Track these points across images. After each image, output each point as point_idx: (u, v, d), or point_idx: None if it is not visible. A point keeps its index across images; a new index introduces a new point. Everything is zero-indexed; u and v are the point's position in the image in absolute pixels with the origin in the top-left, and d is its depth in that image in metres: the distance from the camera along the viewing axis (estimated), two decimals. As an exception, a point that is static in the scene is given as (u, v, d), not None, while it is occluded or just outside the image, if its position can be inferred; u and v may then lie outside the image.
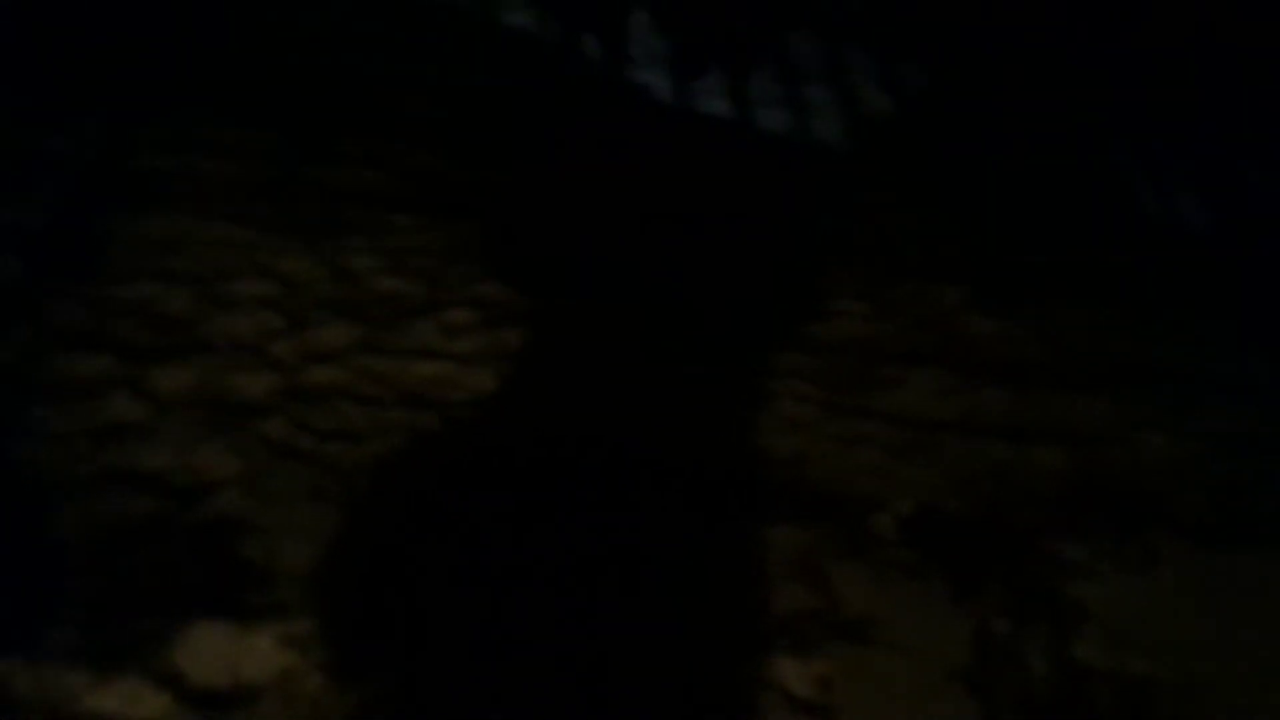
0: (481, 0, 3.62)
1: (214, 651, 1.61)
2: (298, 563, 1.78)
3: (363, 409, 2.10)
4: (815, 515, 2.14)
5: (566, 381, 2.33)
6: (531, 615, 1.81)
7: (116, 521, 1.78)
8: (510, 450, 2.09)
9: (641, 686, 1.82)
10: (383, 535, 1.89)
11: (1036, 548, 2.22)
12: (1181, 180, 3.79)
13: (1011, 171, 3.57)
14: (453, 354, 2.29)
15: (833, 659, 1.87)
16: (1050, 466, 2.43)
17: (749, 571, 2.02)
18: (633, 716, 1.72)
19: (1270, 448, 2.75)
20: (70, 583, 1.65)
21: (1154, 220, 3.63)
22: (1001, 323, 2.86)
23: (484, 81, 3.30)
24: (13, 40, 2.81)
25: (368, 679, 1.64)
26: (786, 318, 2.77)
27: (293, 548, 1.81)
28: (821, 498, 2.21)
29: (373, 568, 1.81)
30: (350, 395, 2.13)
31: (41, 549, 1.71)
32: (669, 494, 2.12)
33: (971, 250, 3.16)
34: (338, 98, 3.03)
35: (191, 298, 2.28)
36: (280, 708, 1.55)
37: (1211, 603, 2.25)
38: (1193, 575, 2.30)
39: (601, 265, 2.71)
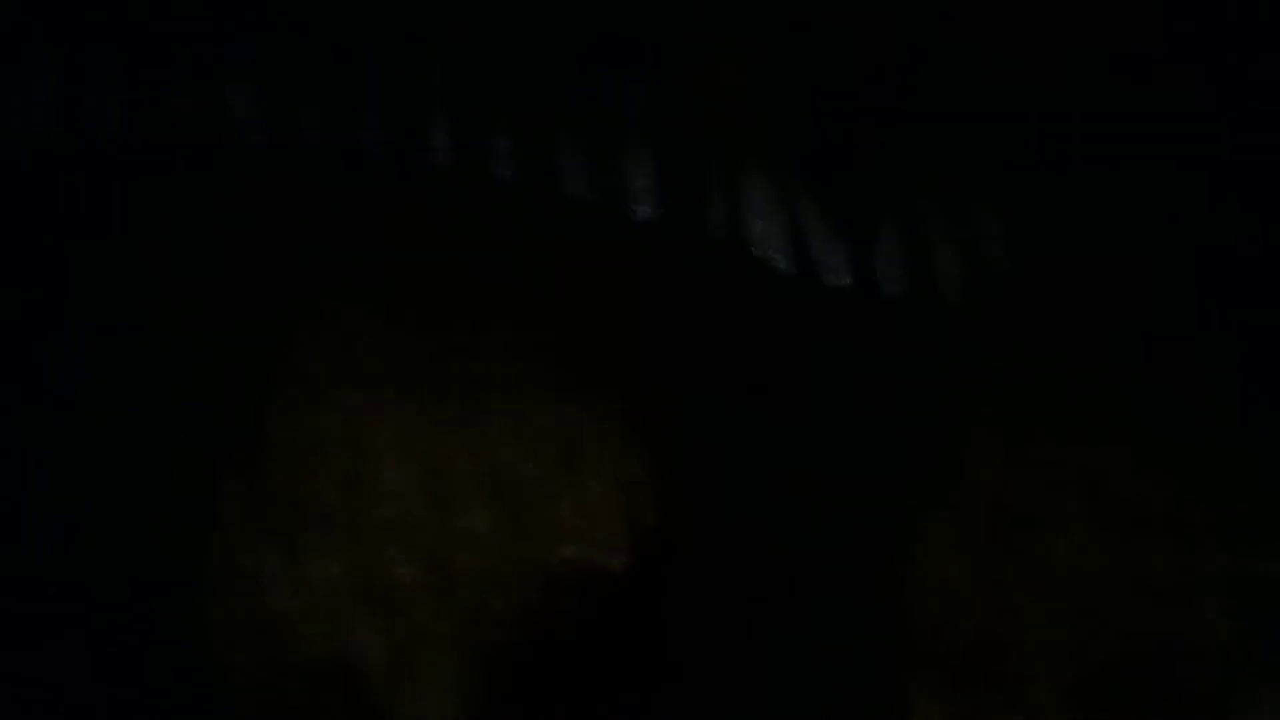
0: (609, 190, 3.81)
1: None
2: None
3: (504, 594, 2.14)
4: (965, 681, 2.06)
5: (709, 558, 2.33)
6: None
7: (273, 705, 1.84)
8: (649, 637, 2.09)
9: None
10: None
11: (1213, 717, 2.07)
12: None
13: (1158, 339, 3.47)
14: (594, 538, 2.33)
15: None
16: (1223, 628, 2.28)
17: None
18: None
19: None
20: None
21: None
22: (1169, 480, 2.74)
23: (614, 265, 3.44)
24: None
25: None
26: (928, 476, 2.73)
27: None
28: (973, 662, 2.12)
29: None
30: (492, 581, 2.18)
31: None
32: (811, 675, 2.07)
33: (1114, 401, 3.06)
34: (478, 289, 3.21)
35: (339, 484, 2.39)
36: None
37: None
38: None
39: (744, 438, 2.74)
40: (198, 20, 2.68)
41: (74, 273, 2.42)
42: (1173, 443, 2.92)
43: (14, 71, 2.36)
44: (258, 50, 2.73)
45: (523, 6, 3.85)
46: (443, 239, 3.40)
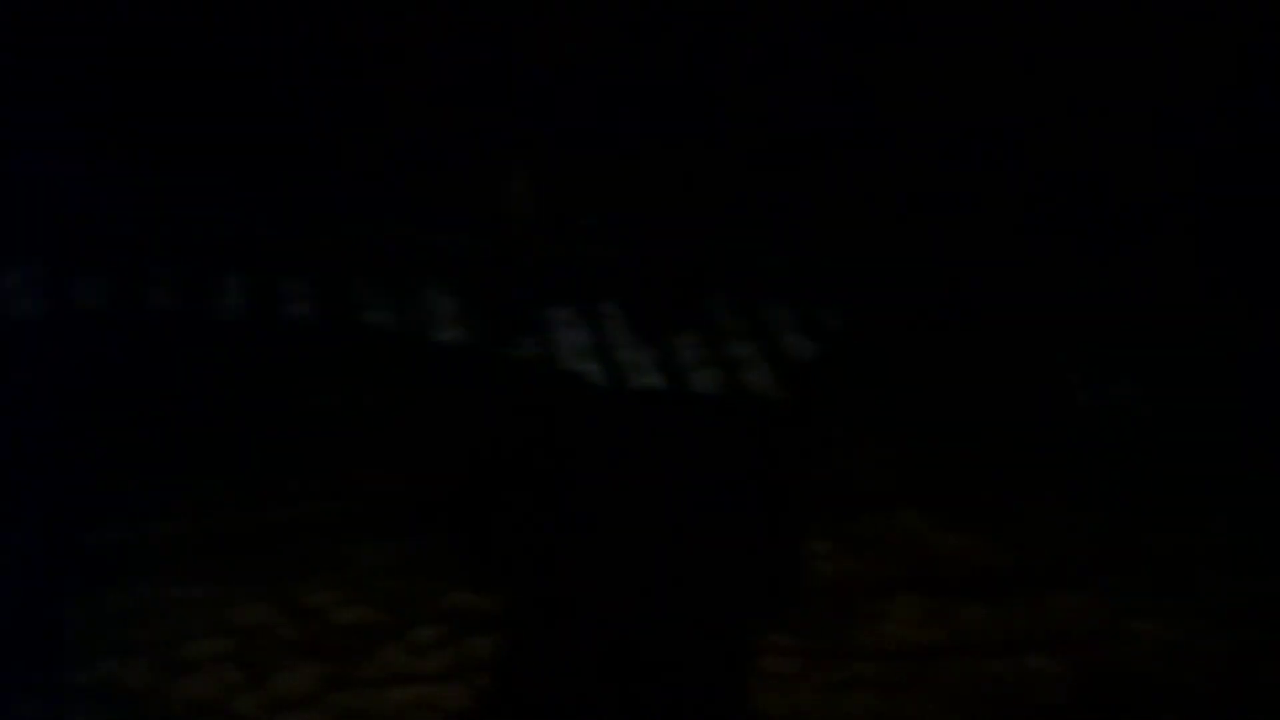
0: (413, 321, 3.80)
1: None
2: None
3: (335, 753, 2.02)
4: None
5: (540, 684, 2.27)
6: None
7: None
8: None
9: None
10: None
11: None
12: (1119, 372, 3.93)
13: (943, 390, 3.68)
14: (424, 675, 2.23)
15: None
16: (1047, 674, 2.37)
17: None
18: None
19: (1256, 616, 2.71)
20: None
21: (1097, 412, 3.73)
22: (966, 536, 2.86)
23: (423, 398, 3.42)
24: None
25: None
26: (757, 572, 2.76)
27: None
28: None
29: None
30: (321, 740, 2.05)
31: None
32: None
33: (920, 471, 3.20)
34: (283, 435, 3.11)
35: (149, 668, 2.22)
36: None
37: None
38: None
39: (563, 557, 2.71)
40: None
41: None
42: (978, 505, 3.07)
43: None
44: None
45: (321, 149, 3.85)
46: (244, 386, 3.29)
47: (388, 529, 2.67)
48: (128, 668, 2.22)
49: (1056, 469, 3.31)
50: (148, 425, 3.05)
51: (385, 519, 2.72)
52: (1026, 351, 3.96)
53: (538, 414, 3.36)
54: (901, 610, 2.54)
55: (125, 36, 3.84)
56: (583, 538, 2.74)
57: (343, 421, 3.12)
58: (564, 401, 3.47)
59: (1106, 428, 3.61)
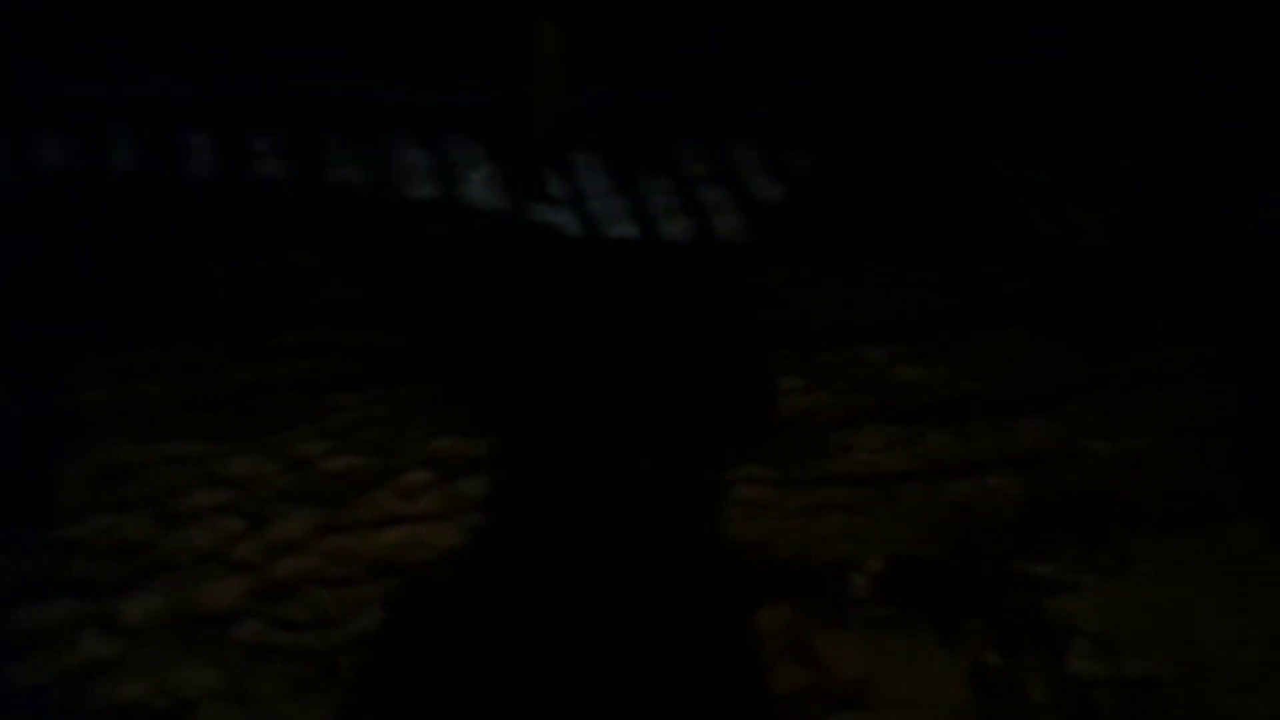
0: (378, 179, 3.76)
1: None
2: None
3: (334, 591, 2.12)
4: (791, 590, 2.18)
5: (528, 517, 2.37)
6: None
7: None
8: (485, 600, 2.11)
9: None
10: (373, 716, 1.89)
11: (1012, 575, 2.27)
12: (1077, 201, 3.97)
13: (905, 227, 3.72)
14: (414, 516, 2.32)
15: (838, 729, 1.89)
16: (1007, 493, 2.50)
17: (739, 660, 2.04)
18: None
19: (1212, 429, 2.84)
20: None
21: (1053, 242, 3.79)
22: (931, 368, 2.95)
23: (399, 251, 3.41)
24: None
25: None
26: (729, 408, 2.85)
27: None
28: (794, 572, 2.24)
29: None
30: (319, 580, 2.15)
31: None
32: (650, 603, 2.15)
33: (886, 309, 3.27)
34: (262, 294, 3.12)
35: (148, 520, 2.30)
36: None
37: (1192, 590, 2.30)
38: (1168, 567, 2.35)
39: (544, 400, 2.78)
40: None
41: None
42: (939, 336, 3.15)
43: None
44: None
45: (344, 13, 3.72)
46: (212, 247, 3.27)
47: (369, 381, 2.71)
48: (125, 521, 2.29)
49: (1018, 304, 3.39)
50: (118, 286, 3.04)
51: (367, 371, 2.76)
52: (988, 185, 3.99)
53: (515, 266, 3.38)
54: (868, 439, 2.65)
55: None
56: (561, 382, 2.81)
57: (320, 278, 3.12)
58: (540, 252, 3.49)
59: (1064, 257, 3.68)
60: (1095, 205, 3.96)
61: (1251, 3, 4.06)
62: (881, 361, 2.98)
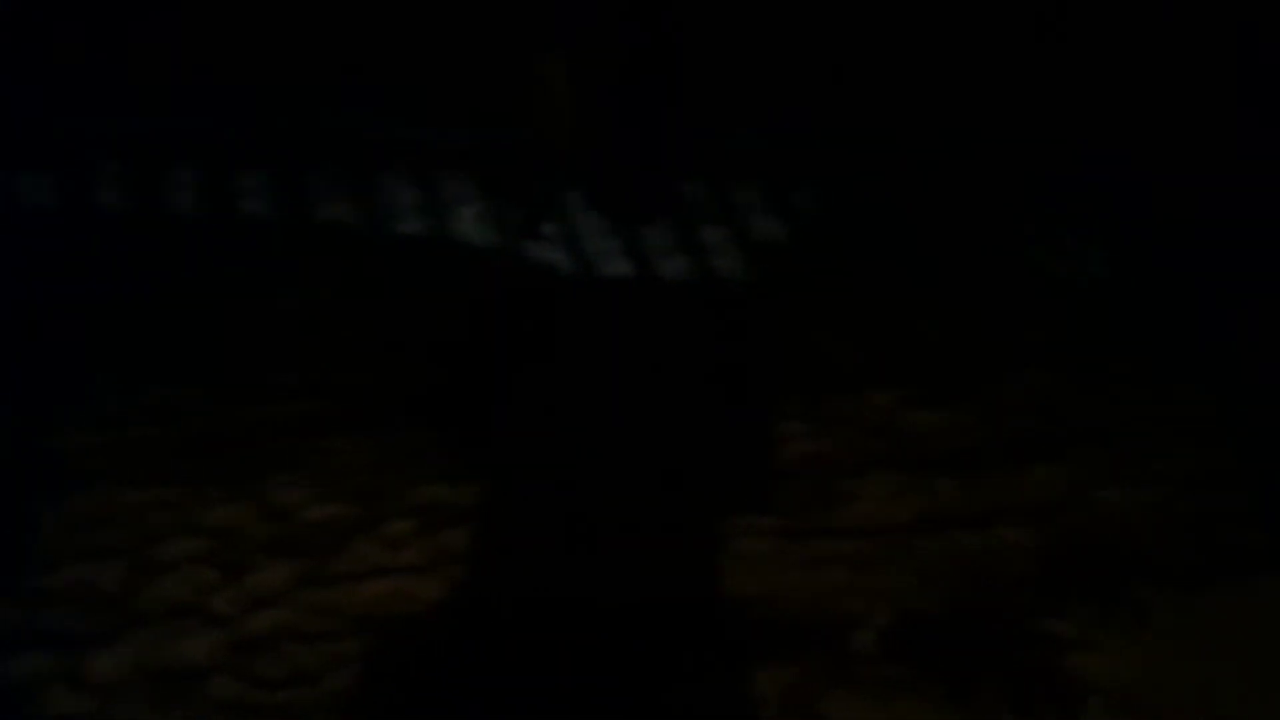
0: (368, 216, 3.71)
1: None
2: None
3: (312, 646, 2.02)
4: (795, 647, 2.08)
5: (517, 569, 2.28)
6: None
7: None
8: (472, 655, 2.02)
9: None
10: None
11: (1025, 631, 2.16)
12: (1082, 237, 3.90)
13: (911, 267, 3.65)
14: (398, 568, 2.23)
15: (842, 798, 1.78)
16: (1019, 545, 2.39)
17: (740, 718, 1.94)
18: None
19: (1231, 479, 2.74)
20: None
21: (1061, 280, 3.71)
22: (940, 413, 2.86)
23: (389, 291, 3.35)
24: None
25: None
26: (731, 455, 2.76)
27: (259, 812, 1.71)
28: (799, 628, 2.14)
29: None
30: (298, 635, 2.05)
31: None
32: (647, 659, 2.05)
33: (893, 350, 3.19)
34: (249, 336, 3.06)
35: (123, 570, 2.21)
36: None
37: (1214, 649, 2.19)
38: (1189, 624, 2.24)
39: (536, 445, 2.70)
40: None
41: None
42: (949, 380, 3.07)
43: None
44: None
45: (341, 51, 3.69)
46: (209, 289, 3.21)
47: (356, 425, 2.64)
48: (100, 571, 2.21)
49: (1027, 344, 3.31)
50: (106, 327, 2.98)
51: (354, 415, 2.69)
52: (997, 226, 3.93)
53: (508, 305, 3.31)
54: (875, 487, 2.56)
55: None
56: (555, 426, 2.73)
57: (308, 318, 3.06)
58: (534, 291, 3.42)
59: (1076, 300, 3.60)
60: (1103, 242, 3.89)
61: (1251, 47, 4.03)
62: (888, 406, 2.89)
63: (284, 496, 2.39)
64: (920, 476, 2.59)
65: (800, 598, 2.22)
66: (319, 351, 2.94)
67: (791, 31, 3.98)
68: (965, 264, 3.66)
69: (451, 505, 2.39)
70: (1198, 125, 3.97)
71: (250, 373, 2.86)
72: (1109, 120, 4.04)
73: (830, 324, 3.29)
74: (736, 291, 3.54)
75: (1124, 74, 4.00)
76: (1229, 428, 2.94)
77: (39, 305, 3.08)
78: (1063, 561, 2.38)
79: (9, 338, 2.95)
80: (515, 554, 2.31)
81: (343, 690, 1.95)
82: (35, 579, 2.17)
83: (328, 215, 3.53)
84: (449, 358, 3.02)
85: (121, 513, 2.39)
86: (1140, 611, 2.23)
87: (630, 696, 1.97)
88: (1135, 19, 4.01)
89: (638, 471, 2.61)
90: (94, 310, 3.09)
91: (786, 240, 3.77)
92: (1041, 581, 2.32)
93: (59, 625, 2.08)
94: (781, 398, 2.92)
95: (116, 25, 3.65)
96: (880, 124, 4.01)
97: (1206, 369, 3.22)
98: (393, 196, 3.67)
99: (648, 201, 3.83)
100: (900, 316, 3.38)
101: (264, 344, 2.95)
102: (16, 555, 2.27)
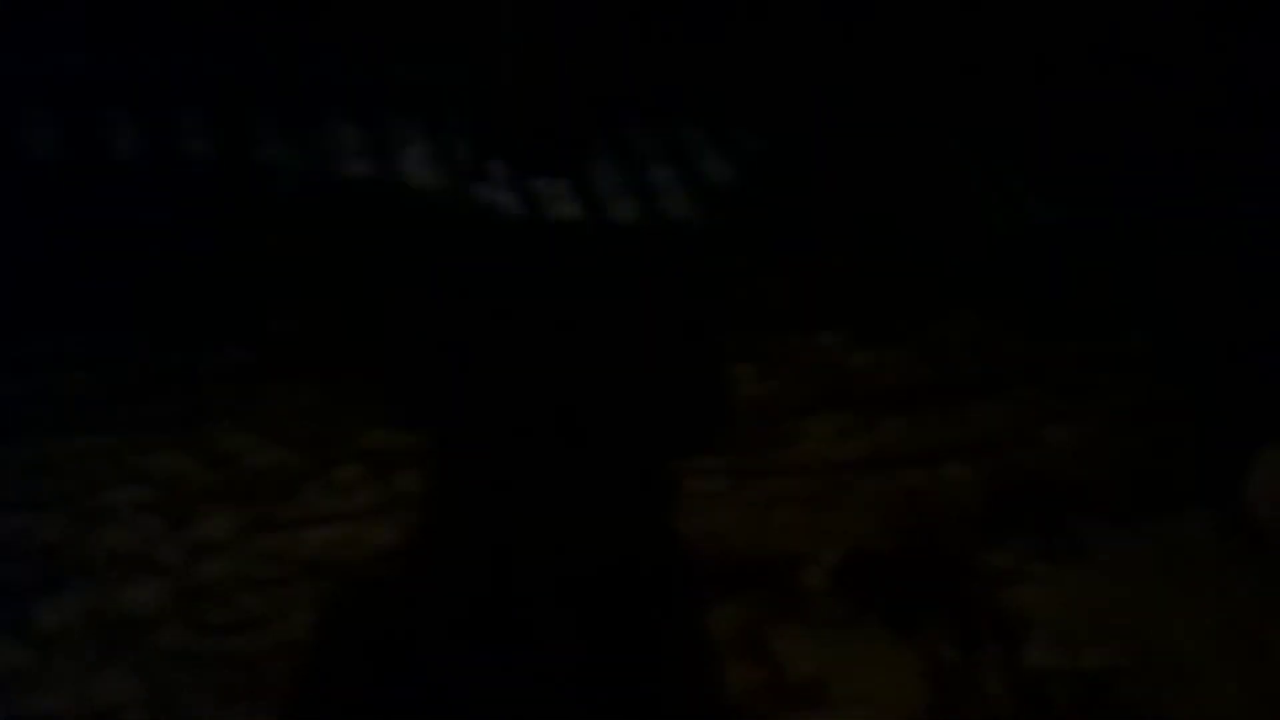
0: (310, 157, 3.61)
1: None
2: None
3: (262, 593, 2.01)
4: (745, 585, 2.11)
5: (469, 513, 2.27)
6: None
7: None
8: (425, 600, 2.02)
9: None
10: (305, 721, 1.80)
11: (968, 566, 2.22)
12: (1028, 183, 3.95)
13: (859, 211, 3.66)
14: (348, 514, 2.22)
15: (792, 730, 1.83)
16: (963, 482, 2.45)
17: (692, 658, 1.97)
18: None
19: (1168, 413, 2.82)
20: None
21: (1008, 227, 3.76)
22: (883, 353, 2.90)
23: (331, 233, 3.28)
24: None
25: None
26: (680, 397, 2.77)
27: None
28: (748, 566, 2.17)
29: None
30: (248, 582, 2.04)
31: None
32: (600, 599, 2.07)
33: (841, 293, 3.21)
34: (187, 280, 2.99)
35: (64, 520, 2.17)
36: None
37: (1147, 578, 2.26)
38: (1124, 556, 2.32)
39: (485, 390, 2.68)
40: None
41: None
42: (894, 322, 3.10)
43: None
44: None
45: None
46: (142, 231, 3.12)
47: (298, 371, 2.60)
48: (40, 521, 2.17)
49: (970, 287, 3.35)
50: (32, 273, 2.89)
51: (295, 361, 2.64)
52: (943, 172, 3.95)
53: (453, 247, 3.27)
54: (823, 427, 2.59)
55: None
56: (503, 369, 2.71)
57: (248, 261, 2.99)
58: (480, 234, 3.38)
59: (1018, 242, 3.65)
60: (1050, 191, 3.94)
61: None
62: (836, 347, 2.92)
63: (228, 443, 2.36)
64: (867, 416, 2.62)
65: (750, 537, 2.25)
66: (256, 296, 2.87)
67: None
68: (911, 208, 3.69)
69: (400, 450, 2.38)
70: (1148, 73, 4.01)
71: (185, 318, 2.80)
72: (1056, 67, 4.06)
73: (778, 267, 3.30)
74: (685, 234, 3.53)
75: (1070, 22, 4.02)
76: (1166, 366, 3.02)
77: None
78: (1004, 497, 2.44)
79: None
80: (466, 498, 2.31)
81: (295, 637, 1.94)
82: (-26, 530, 2.13)
83: (267, 156, 3.43)
84: (392, 301, 2.98)
85: (59, 461, 2.34)
86: (1077, 545, 2.30)
87: (583, 635, 1.99)
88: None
89: (587, 414, 2.61)
90: (23, 255, 2.99)
91: (734, 182, 3.76)
92: (984, 517, 2.38)
93: (1, 576, 2.04)
94: (730, 340, 2.93)
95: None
96: (827, 68, 3.99)
97: (1146, 311, 3.29)
98: (335, 137, 3.58)
99: (576, 147, 3.76)
100: (847, 259, 3.40)
101: (199, 290, 2.88)
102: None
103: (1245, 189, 3.84)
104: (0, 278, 2.91)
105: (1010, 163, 4.01)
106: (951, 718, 1.87)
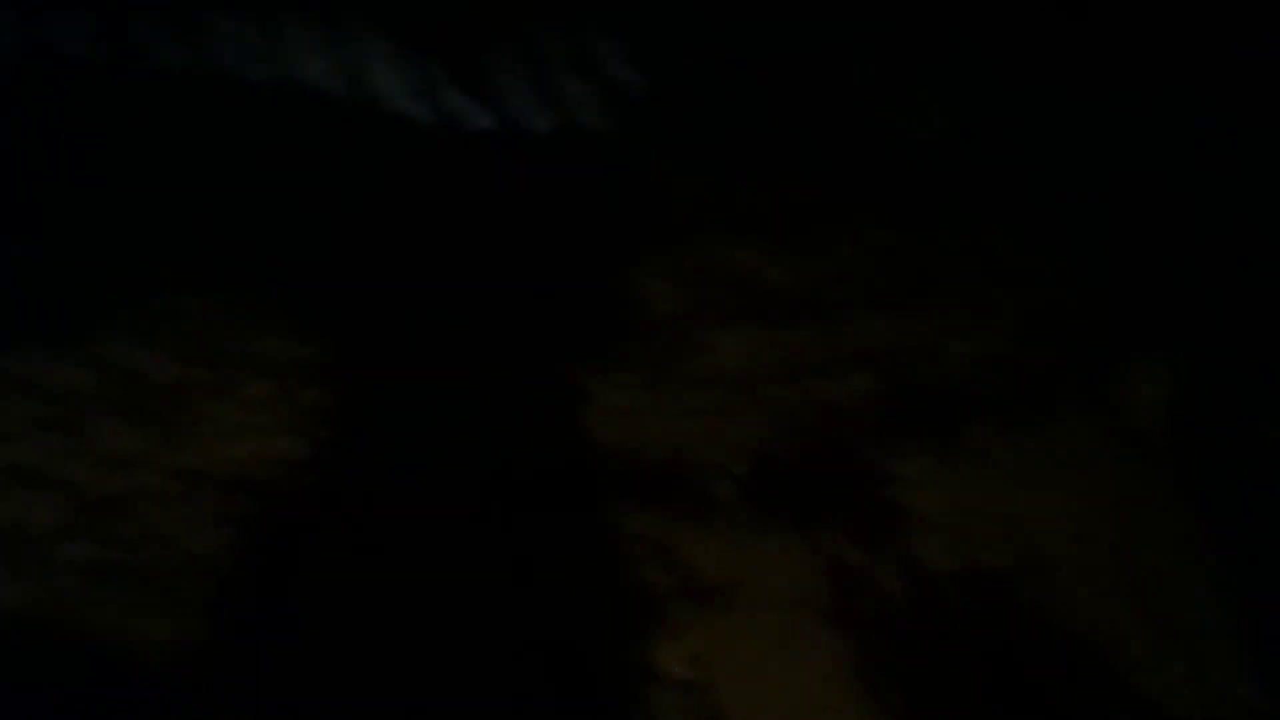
0: (194, 56, 3.45)
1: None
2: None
3: (171, 510, 1.99)
4: (658, 495, 2.15)
5: (379, 426, 2.27)
6: (405, 675, 1.76)
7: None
8: (337, 513, 2.02)
9: (525, 690, 1.80)
10: (216, 635, 1.80)
11: (870, 472, 2.30)
12: (929, 95, 3.97)
13: (770, 125, 3.66)
14: (255, 428, 2.19)
15: (701, 631, 1.89)
16: (866, 391, 2.51)
17: (603, 564, 2.02)
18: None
19: (1062, 329, 2.92)
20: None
21: (919, 142, 3.79)
22: (797, 266, 2.93)
23: (227, 137, 3.17)
24: None
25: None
26: (593, 310, 2.78)
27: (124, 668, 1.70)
28: (661, 476, 2.22)
29: (212, 672, 1.72)
30: (155, 497, 2.01)
31: None
32: (514, 512, 2.09)
33: (752, 207, 3.22)
34: (73, 190, 2.86)
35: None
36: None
37: (1038, 482, 2.37)
38: (1016, 460, 2.42)
39: (394, 304, 2.65)
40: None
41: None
42: (805, 235, 3.14)
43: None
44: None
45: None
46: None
47: (196, 283, 2.53)
48: (-68, 439, 2.10)
49: (879, 198, 3.39)
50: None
51: (191, 273, 2.57)
52: (848, 78, 3.96)
53: (359, 157, 3.19)
54: (734, 341, 2.62)
55: None
56: (413, 284, 2.68)
57: (137, 166, 2.87)
58: (393, 145, 3.30)
59: (922, 154, 3.69)
60: (963, 106, 3.98)
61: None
62: (748, 261, 2.94)
63: (128, 359, 2.30)
64: (778, 329, 2.66)
65: (662, 448, 2.29)
66: (148, 206, 2.77)
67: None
68: (822, 125, 3.70)
69: (308, 363, 2.34)
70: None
71: (74, 229, 2.69)
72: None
73: (691, 181, 3.30)
74: (598, 146, 3.50)
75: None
76: (1068, 283, 3.11)
77: None
78: (906, 406, 2.51)
79: None
80: (377, 411, 2.30)
81: (206, 552, 1.93)
82: None
83: (157, 60, 3.27)
84: (295, 212, 2.90)
85: (-50, 377, 2.25)
86: (973, 451, 2.39)
87: (497, 549, 2.02)
88: None
89: (498, 328, 2.60)
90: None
91: (648, 93, 3.72)
92: (888, 426, 2.45)
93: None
94: (644, 255, 2.94)
95: None
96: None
97: (1047, 222, 3.37)
98: (224, 38, 3.42)
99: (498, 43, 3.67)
100: (758, 173, 3.41)
101: (86, 199, 2.76)
102: None
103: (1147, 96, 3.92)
104: None
105: (916, 74, 4.03)
106: (854, 616, 1.96)
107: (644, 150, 3.49)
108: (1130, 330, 2.75)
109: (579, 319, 2.70)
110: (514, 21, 3.76)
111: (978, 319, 2.87)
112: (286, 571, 1.93)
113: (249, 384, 2.26)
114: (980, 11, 4.01)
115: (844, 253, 3.02)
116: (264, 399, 2.23)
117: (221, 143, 3.02)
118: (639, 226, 3.14)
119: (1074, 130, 3.81)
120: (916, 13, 4.06)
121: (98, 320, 2.35)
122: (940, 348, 2.74)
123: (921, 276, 3.00)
